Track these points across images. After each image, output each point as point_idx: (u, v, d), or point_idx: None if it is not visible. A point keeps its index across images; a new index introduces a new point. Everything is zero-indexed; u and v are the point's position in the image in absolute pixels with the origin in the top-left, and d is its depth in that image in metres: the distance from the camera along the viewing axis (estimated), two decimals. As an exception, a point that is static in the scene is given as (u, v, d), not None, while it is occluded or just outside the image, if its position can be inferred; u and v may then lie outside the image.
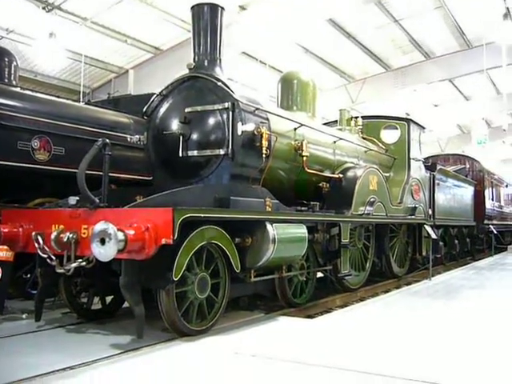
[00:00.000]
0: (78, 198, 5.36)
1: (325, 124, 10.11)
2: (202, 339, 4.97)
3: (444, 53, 22.52)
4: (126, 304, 5.96)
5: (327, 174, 8.21)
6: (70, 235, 4.91)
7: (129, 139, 7.07)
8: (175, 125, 6.37)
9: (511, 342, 5.16)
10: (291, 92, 8.36)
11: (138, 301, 4.83)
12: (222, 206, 5.55)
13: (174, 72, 7.18)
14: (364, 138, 10.27)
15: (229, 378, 3.86)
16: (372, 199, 8.76)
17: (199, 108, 6.30)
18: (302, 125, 7.49)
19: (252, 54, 19.32)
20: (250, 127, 6.15)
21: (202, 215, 4.99)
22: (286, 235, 5.93)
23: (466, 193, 16.90)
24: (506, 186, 25.44)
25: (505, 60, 18.19)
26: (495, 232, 20.07)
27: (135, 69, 19.66)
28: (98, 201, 5.04)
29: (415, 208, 10.70)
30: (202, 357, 4.34)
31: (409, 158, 10.88)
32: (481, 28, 19.50)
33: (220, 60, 6.63)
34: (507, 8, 16.83)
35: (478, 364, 4.32)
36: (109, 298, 6.22)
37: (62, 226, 5.09)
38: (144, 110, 6.81)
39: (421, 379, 3.78)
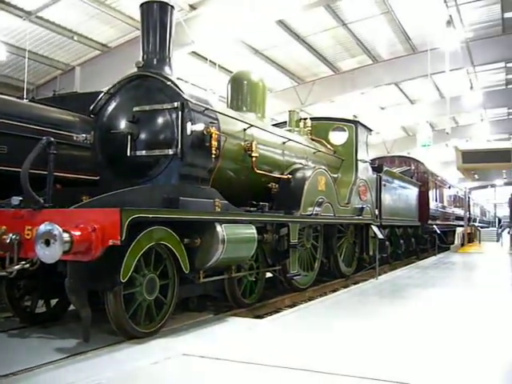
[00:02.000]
0: (21, 199, 5.19)
1: (274, 125, 10.17)
2: (151, 341, 4.91)
3: (391, 57, 23.08)
4: (71, 307, 5.83)
5: (276, 174, 8.25)
6: (13, 236, 4.77)
7: (75, 138, 6.89)
8: (123, 124, 6.26)
9: (451, 338, 5.34)
10: (241, 92, 8.37)
11: (84, 303, 4.72)
12: (170, 206, 5.50)
13: (122, 70, 7.08)
14: (313, 140, 10.38)
15: (177, 380, 3.83)
16: (320, 200, 8.87)
17: (148, 107, 6.21)
18: (251, 125, 7.51)
19: (202, 53, 19.26)
20: (199, 127, 6.11)
21: (151, 216, 4.93)
22: (235, 236, 5.93)
23: (411, 194, 17.35)
24: (449, 187, 26.27)
25: (448, 65, 18.78)
26: (439, 232, 20.71)
27: (82, 66, 19.24)
28: (42, 201, 4.91)
29: (362, 208, 10.91)
30: (150, 359, 4.28)
31: (356, 160, 11.07)
32: (425, 34, 20.08)
33: (169, 59, 6.56)
34: (450, 15, 17.37)
35: (421, 356, 4.45)
36: (54, 301, 6.05)
37: (4, 227, 4.93)
38: (91, 108, 6.67)
39: (367, 376, 3.85)
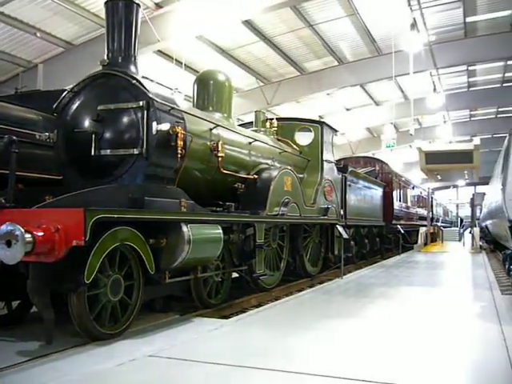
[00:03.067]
0: (-19, 198, 5.08)
1: (240, 125, 10.18)
2: (115, 343, 4.86)
3: (356, 59, 23.34)
4: (34, 308, 5.72)
5: (242, 174, 8.26)
6: (-27, 237, 4.65)
7: (37, 136, 6.74)
8: (87, 123, 6.17)
9: (415, 335, 5.43)
10: (207, 92, 8.34)
11: (47, 305, 4.65)
12: (135, 206, 5.45)
13: (87, 68, 6.98)
14: (279, 140, 10.43)
15: (142, 382, 3.79)
16: (286, 200, 8.92)
17: (112, 106, 6.14)
18: (217, 125, 7.50)
19: (168, 52, 19.13)
20: (165, 127, 6.06)
21: (115, 216, 4.88)
22: (201, 236, 5.92)
23: (376, 194, 17.59)
24: (413, 187, 26.72)
25: (412, 67, 19.10)
26: (402, 231, 21.04)
27: (45, 63, 18.84)
28: (3, 201, 4.81)
29: (328, 208, 11.01)
30: (115, 361, 4.23)
31: (322, 160, 11.17)
32: (390, 36, 20.38)
33: (135, 57, 6.49)
34: (414, 19, 17.67)
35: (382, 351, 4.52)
36: (15, 303, 5.93)
37: (-37, 228, 4.81)
38: (54, 106, 6.56)
39: (336, 375, 3.90)
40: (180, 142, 6.26)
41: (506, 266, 8.09)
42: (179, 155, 6.32)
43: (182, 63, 17.64)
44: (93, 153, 6.09)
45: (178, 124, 6.36)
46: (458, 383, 3.85)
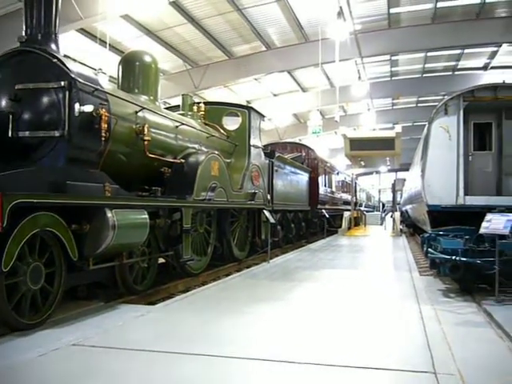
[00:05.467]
0: None
1: (167, 108, 10.01)
2: (37, 333, 4.70)
3: (284, 44, 23.44)
4: None
5: (169, 158, 8.14)
6: None
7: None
8: (4, 102, 5.84)
9: (339, 315, 5.58)
10: (133, 74, 8.10)
11: (-40, 295, 4.41)
12: (57, 190, 5.25)
13: (2, 45, 6.59)
14: (206, 124, 10.34)
15: (66, 371, 3.67)
16: (213, 185, 8.88)
17: (32, 85, 5.85)
18: (143, 108, 7.33)
19: (91, 31, 18.45)
20: (88, 108, 5.85)
21: (35, 201, 4.68)
22: (126, 221, 5.79)
23: (302, 179, 17.87)
24: (338, 173, 27.36)
25: (338, 55, 19.42)
26: (327, 216, 21.53)
27: (-43, 39, 17.76)
28: None
29: (255, 193, 11.07)
30: (37, 351, 4.07)
31: (249, 145, 11.19)
32: (317, 24, 20.61)
33: (56, 35, 6.18)
34: (340, 7, 17.92)
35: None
36: None
37: None
38: (-33, 84, 6.17)
39: (253, 357, 3.93)
40: (104, 125, 6.07)
41: (424, 249, 8.42)
42: (103, 138, 6.13)
43: (106, 43, 17.06)
44: (10, 134, 5.78)
45: (102, 106, 6.16)
46: (381, 359, 3.98)
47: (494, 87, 9.14)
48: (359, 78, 25.28)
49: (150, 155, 7.40)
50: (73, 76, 5.83)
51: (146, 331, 4.88)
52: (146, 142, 7.21)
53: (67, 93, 5.78)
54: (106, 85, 6.75)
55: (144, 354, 4.06)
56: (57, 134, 5.78)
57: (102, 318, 5.40)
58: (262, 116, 12.23)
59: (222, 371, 3.73)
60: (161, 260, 8.03)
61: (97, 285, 6.78)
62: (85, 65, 17.56)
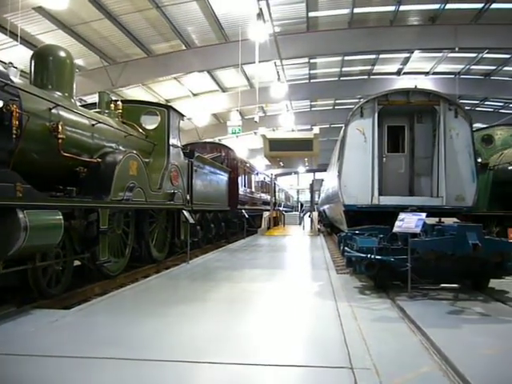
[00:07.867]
0: None
1: (83, 106, 9.71)
2: None
3: (204, 44, 23.36)
4: None
5: (85, 158, 7.91)
6: None
7: None
8: None
9: (257, 314, 5.63)
10: (46, 69, 7.78)
11: None
12: (-38, 190, 4.96)
13: None
14: (124, 123, 10.12)
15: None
16: (132, 185, 8.72)
17: None
18: (57, 105, 7.08)
19: (1, 23, 17.56)
20: (-3, 104, 5.58)
21: None
22: (39, 222, 5.58)
23: (222, 179, 17.88)
24: (257, 173, 27.60)
25: (257, 57, 19.58)
26: (247, 216, 21.68)
27: None
28: None
29: (174, 194, 10.97)
30: None
31: (168, 145, 11.07)
32: (237, 24, 20.69)
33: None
34: (260, 9, 18.06)
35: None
36: None
37: None
38: None
39: (171, 359, 3.89)
40: (15, 122, 5.83)
41: (341, 248, 8.66)
42: (14, 136, 5.87)
43: (17, 36, 16.28)
44: None
45: (13, 102, 5.89)
46: (300, 356, 4.06)
47: (406, 92, 9.56)
48: (279, 79, 25.55)
49: (65, 154, 7.15)
50: (-20, 70, 5.54)
51: (60, 337, 4.71)
52: (60, 141, 6.97)
53: (-26, 87, 5.49)
54: (17, 80, 6.46)
55: (56, 361, 3.92)
56: (-38, 130, 5.48)
57: (13, 324, 5.16)
58: (181, 115, 12.14)
59: (134, 375, 3.68)
60: (77, 262, 7.79)
61: (7, 289, 6.47)
62: (-6, 58, 16.76)
